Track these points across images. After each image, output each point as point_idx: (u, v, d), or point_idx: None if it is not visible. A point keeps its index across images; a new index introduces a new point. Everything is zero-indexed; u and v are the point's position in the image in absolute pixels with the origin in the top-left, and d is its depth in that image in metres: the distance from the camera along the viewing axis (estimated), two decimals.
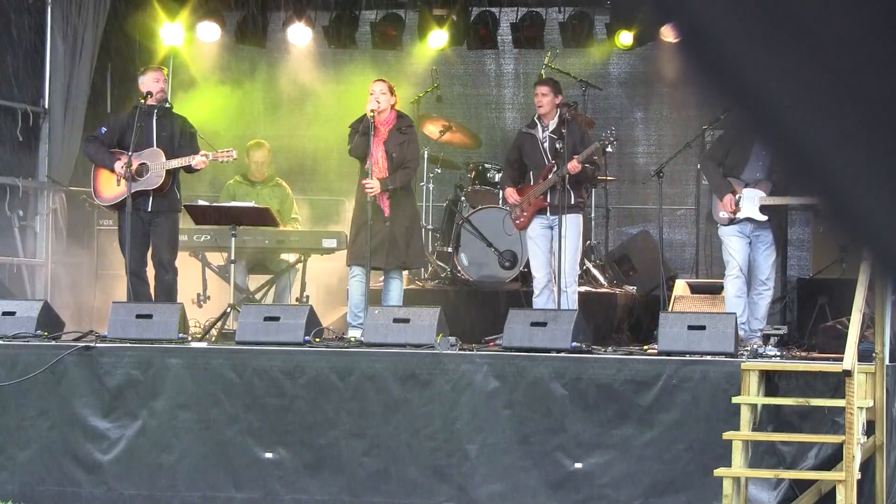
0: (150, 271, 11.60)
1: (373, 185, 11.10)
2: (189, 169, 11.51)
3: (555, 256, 11.32)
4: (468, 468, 9.85)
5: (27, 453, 10.48)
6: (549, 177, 11.33)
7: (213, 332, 11.30)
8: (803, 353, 10.71)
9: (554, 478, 9.73)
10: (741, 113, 1.88)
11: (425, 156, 13.71)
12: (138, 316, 10.73)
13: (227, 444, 10.20)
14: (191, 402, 10.29)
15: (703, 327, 9.92)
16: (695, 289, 12.75)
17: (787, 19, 1.80)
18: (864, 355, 9.29)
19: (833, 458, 9.23)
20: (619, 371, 9.74)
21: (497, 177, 13.45)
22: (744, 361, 9.66)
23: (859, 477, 9.00)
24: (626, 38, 14.47)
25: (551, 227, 11.36)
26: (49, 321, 11.05)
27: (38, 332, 10.87)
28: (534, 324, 10.18)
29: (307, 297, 12.70)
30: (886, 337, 9.29)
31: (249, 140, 13.57)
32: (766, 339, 10.87)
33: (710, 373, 9.60)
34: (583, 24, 14.66)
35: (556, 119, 11.44)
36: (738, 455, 9.21)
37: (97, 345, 10.51)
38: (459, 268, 13.06)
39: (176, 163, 11.38)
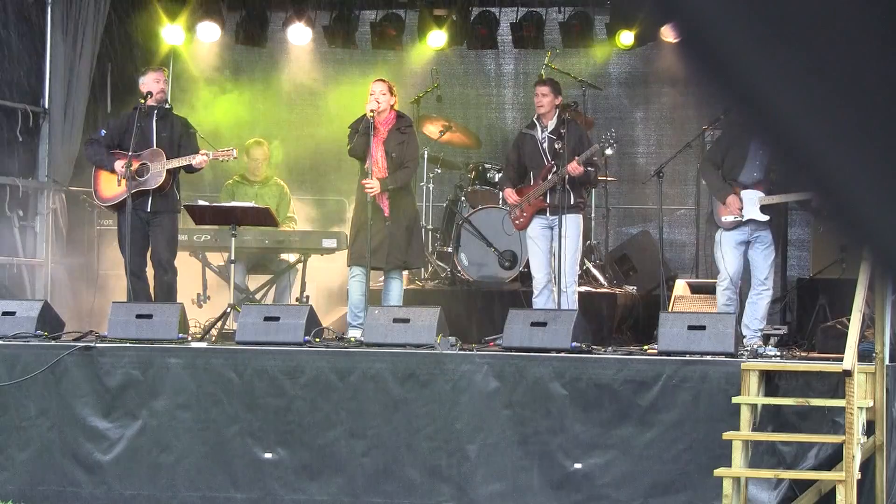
0: (150, 271, 11.60)
1: (373, 185, 11.10)
2: (190, 169, 11.52)
3: (555, 256, 11.32)
4: (468, 468, 9.85)
5: (27, 453, 10.48)
6: (549, 177, 11.33)
7: (213, 332, 11.30)
8: (803, 353, 10.70)
9: (554, 478, 9.73)
10: (741, 113, 1.88)
11: (425, 156, 13.71)
12: (138, 316, 10.73)
13: (226, 444, 10.20)
14: (191, 402, 10.29)
15: (703, 327, 9.92)
16: (695, 289, 12.76)
17: (786, 19, 1.80)
18: (864, 355, 9.29)
19: (833, 458, 9.23)
20: (619, 371, 9.74)
21: (497, 177, 13.44)
22: (744, 361, 9.66)
23: (859, 477, 9.00)
24: (626, 37, 14.47)
25: (551, 228, 11.36)
26: (49, 321, 11.05)
27: (38, 332, 10.87)
28: (534, 324, 10.18)
29: (307, 297, 12.70)
30: (886, 337, 9.29)
31: (248, 140, 13.57)
32: (766, 339, 10.87)
33: (710, 373, 9.60)
34: (583, 24, 14.66)
35: (555, 119, 11.44)
36: (738, 455, 9.21)
37: (97, 345, 10.51)
38: (459, 268, 13.07)
39: (176, 162, 11.38)
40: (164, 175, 11.36)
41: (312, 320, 10.54)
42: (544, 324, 10.16)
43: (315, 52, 15.40)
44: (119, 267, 11.68)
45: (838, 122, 1.82)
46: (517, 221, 11.66)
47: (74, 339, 10.81)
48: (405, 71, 15.12)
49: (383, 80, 11.50)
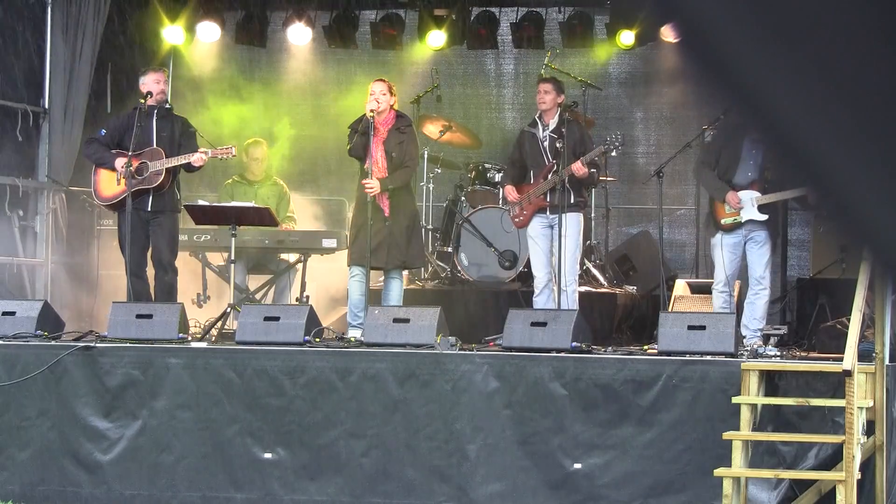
0: (150, 271, 11.60)
1: (372, 185, 11.10)
2: (189, 168, 11.52)
3: (555, 256, 11.32)
4: (468, 468, 9.85)
5: (27, 453, 10.48)
6: (549, 177, 11.33)
7: (213, 332, 11.30)
8: (803, 353, 10.70)
9: (554, 478, 9.73)
10: (741, 113, 1.88)
11: (425, 156, 13.71)
12: (138, 316, 10.73)
13: (226, 444, 10.20)
14: (191, 402, 10.29)
15: (703, 327, 9.92)
16: (695, 289, 12.75)
17: (786, 19, 1.80)
18: (864, 355, 9.29)
19: (833, 458, 9.23)
20: (619, 371, 9.73)
21: (497, 177, 13.45)
22: (744, 361, 9.65)
23: (859, 477, 8.99)
24: (627, 37, 14.47)
25: (551, 227, 11.36)
26: (49, 321, 11.05)
27: (38, 332, 10.87)
28: (534, 324, 10.18)
29: (307, 297, 12.70)
30: (886, 337, 9.29)
31: (248, 140, 13.57)
32: (766, 339, 10.87)
33: (710, 373, 9.60)
34: (583, 24, 14.67)
35: (557, 118, 11.44)
36: (738, 455, 9.21)
37: (97, 345, 10.50)
38: (459, 268, 13.06)
39: (175, 161, 11.39)
40: (164, 174, 11.37)
41: (312, 320, 10.54)
42: (544, 324, 10.16)
43: (315, 52, 15.40)
44: (119, 267, 11.68)
45: (838, 122, 1.82)
46: (517, 220, 11.66)
47: (74, 339, 10.81)
48: (405, 71, 15.12)
49: (383, 80, 11.49)
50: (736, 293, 11.58)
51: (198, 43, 15.09)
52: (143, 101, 11.47)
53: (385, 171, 11.23)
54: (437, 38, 14.84)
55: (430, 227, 13.61)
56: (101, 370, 10.42)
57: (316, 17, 15.17)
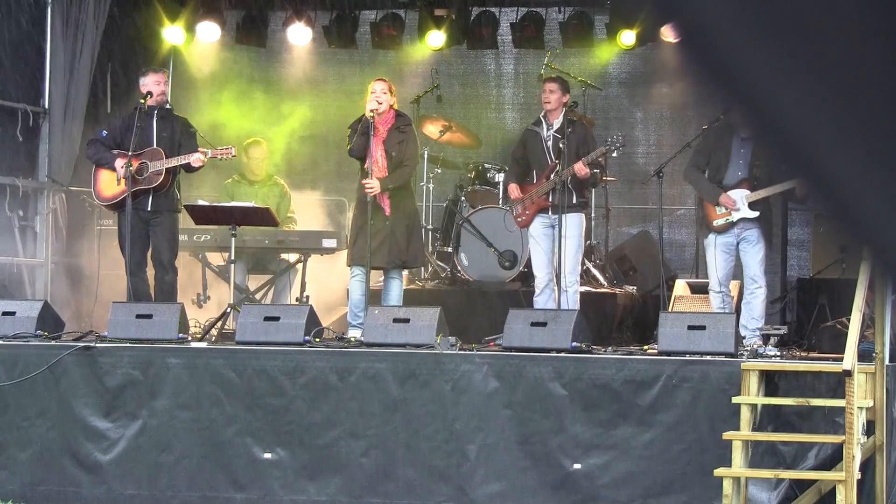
0: (150, 271, 11.61)
1: (373, 185, 11.10)
2: (188, 168, 11.53)
3: (556, 256, 11.32)
4: (468, 468, 9.85)
5: (27, 453, 10.48)
6: (551, 177, 11.33)
7: (213, 332, 11.30)
8: (803, 353, 10.71)
9: (553, 478, 9.73)
10: (741, 113, 1.88)
11: (425, 156, 13.71)
12: (138, 316, 10.73)
13: (226, 444, 10.20)
14: (191, 402, 10.29)
15: (703, 327, 9.92)
16: (695, 289, 12.75)
17: (786, 19, 1.80)
18: (864, 355, 9.29)
19: (833, 458, 9.23)
20: (619, 371, 9.73)
21: (497, 177, 13.45)
22: (744, 361, 9.66)
23: (859, 477, 9.00)
24: (628, 37, 14.46)
25: (553, 227, 11.36)
26: (49, 321, 11.05)
27: (38, 332, 10.87)
28: (534, 324, 10.18)
29: (307, 297, 12.70)
30: (886, 337, 9.29)
31: (247, 139, 13.57)
32: (766, 339, 10.87)
33: (710, 373, 9.60)
34: (583, 24, 14.66)
35: (561, 118, 11.45)
36: (738, 455, 9.21)
37: (97, 345, 10.51)
38: (459, 268, 13.06)
39: (175, 161, 11.39)
40: (164, 174, 11.38)
41: (312, 320, 10.54)
42: (544, 324, 10.16)
43: (315, 52, 15.40)
44: (119, 267, 11.68)
45: (838, 122, 1.83)
46: (519, 219, 11.68)
47: (74, 339, 10.81)
48: (405, 71, 15.12)
49: (384, 80, 11.49)
50: (736, 294, 11.59)
51: (198, 43, 15.09)
52: (143, 101, 11.47)
53: (385, 170, 11.23)
54: (436, 38, 14.84)
55: (430, 227, 13.61)
56: (101, 370, 10.42)
57: (316, 17, 15.17)
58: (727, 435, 9.28)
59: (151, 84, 11.60)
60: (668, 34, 13.62)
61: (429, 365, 10.01)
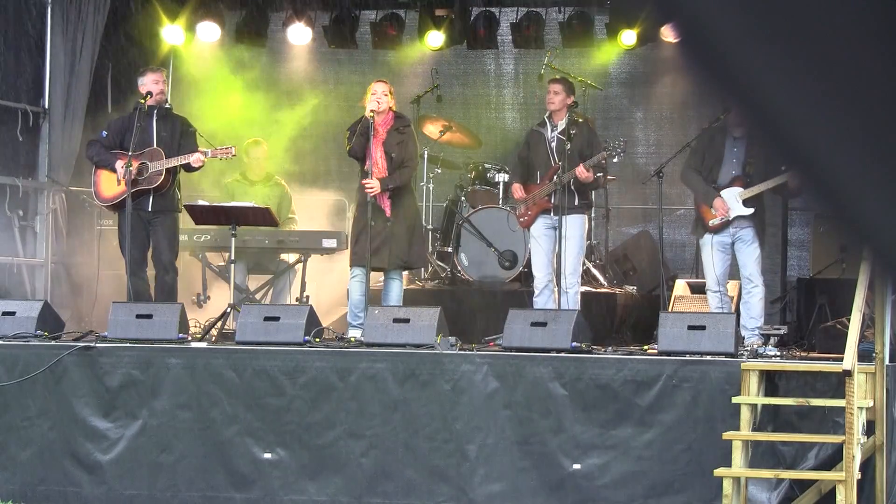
0: (150, 271, 11.61)
1: (373, 185, 11.10)
2: (188, 167, 11.53)
3: (557, 257, 11.33)
4: (467, 469, 9.85)
5: (27, 453, 10.48)
6: (554, 178, 11.34)
7: (213, 332, 11.30)
8: (803, 353, 10.71)
9: (553, 478, 9.73)
10: (741, 112, 1.88)
11: (425, 156, 13.71)
12: (138, 316, 10.73)
13: (226, 444, 10.20)
14: (191, 402, 10.29)
15: (703, 327, 9.92)
16: (695, 289, 12.75)
17: (786, 19, 1.80)
18: (864, 355, 9.29)
19: (833, 458, 9.23)
20: (618, 371, 9.73)
21: (497, 177, 13.46)
22: (744, 361, 9.66)
23: (859, 477, 9.00)
24: (629, 37, 14.46)
25: (555, 228, 11.37)
26: (49, 321, 11.05)
27: (38, 332, 10.87)
28: (534, 324, 10.18)
29: (307, 297, 12.70)
30: (886, 337, 9.29)
31: (247, 140, 13.56)
32: (766, 339, 10.88)
33: (710, 373, 9.60)
34: (583, 24, 14.66)
35: (565, 119, 11.46)
36: (738, 455, 9.21)
37: (97, 345, 10.51)
38: (459, 268, 13.06)
39: (174, 161, 11.40)
40: (164, 174, 11.38)
41: (312, 320, 10.54)
42: (544, 324, 10.16)
43: (315, 52, 15.40)
44: (119, 267, 11.69)
45: (838, 122, 1.83)
46: (522, 219, 11.71)
47: (74, 339, 10.81)
48: (405, 71, 15.12)
49: (384, 81, 11.50)
50: (735, 294, 11.59)
51: (198, 43, 15.09)
52: (142, 101, 11.48)
53: (385, 171, 11.23)
54: (436, 38, 14.84)
55: (430, 227, 13.61)
56: (101, 370, 10.42)
57: (316, 17, 15.17)
58: (727, 435, 9.28)
59: (150, 84, 11.61)
60: (668, 34, 13.62)
61: (429, 365, 10.01)
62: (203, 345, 10.79)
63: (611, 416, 9.69)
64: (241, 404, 10.21)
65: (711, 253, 11.08)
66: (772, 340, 10.88)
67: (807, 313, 12.68)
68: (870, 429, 9.30)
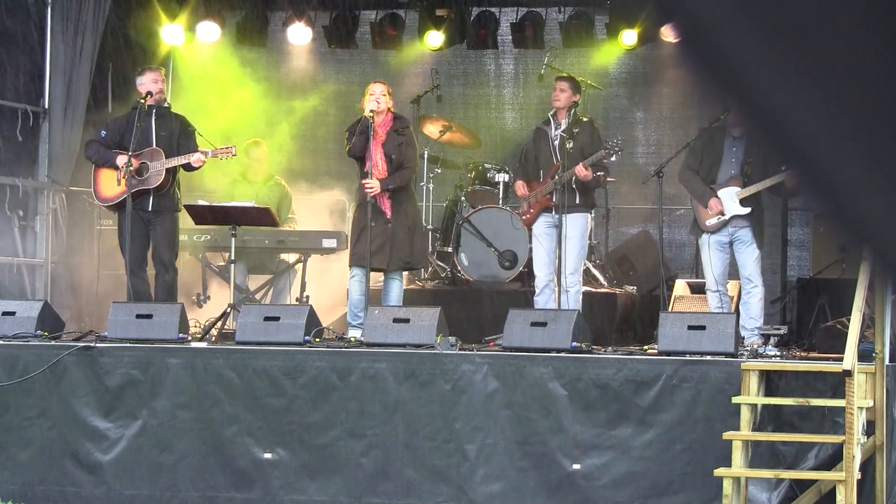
0: (150, 271, 11.61)
1: (373, 186, 11.10)
2: (188, 167, 11.54)
3: (558, 256, 11.34)
4: (467, 469, 9.85)
5: (27, 453, 10.48)
6: (555, 177, 11.36)
7: (213, 332, 11.30)
8: (803, 353, 10.71)
9: (553, 478, 9.73)
10: (741, 112, 1.88)
11: (425, 156, 13.71)
12: (138, 316, 10.73)
13: (226, 444, 10.20)
14: (191, 402, 10.29)
15: (703, 327, 9.92)
16: (695, 289, 12.75)
17: (786, 18, 1.80)
18: (864, 355, 9.29)
19: (833, 458, 9.23)
20: (618, 371, 9.74)
21: (497, 177, 13.47)
22: (744, 361, 9.66)
23: (859, 477, 9.00)
24: (629, 37, 14.46)
25: (556, 227, 11.38)
26: (49, 321, 11.05)
27: (38, 332, 10.87)
28: (534, 324, 10.18)
29: (307, 297, 12.70)
30: (886, 337, 9.29)
31: (247, 140, 13.56)
32: (766, 339, 10.88)
33: (710, 373, 9.60)
34: (583, 23, 14.67)
35: (569, 118, 11.47)
36: (738, 455, 9.22)
37: (97, 345, 10.51)
38: (459, 268, 13.06)
39: (175, 161, 11.40)
40: (164, 174, 11.38)
41: (312, 320, 10.54)
42: (544, 324, 10.16)
43: (315, 52, 15.40)
44: (119, 267, 11.69)
45: (838, 122, 1.82)
46: (524, 217, 11.73)
47: (74, 339, 10.81)
48: (405, 71, 15.13)
49: (382, 83, 11.51)
50: (735, 294, 11.60)
51: (198, 43, 15.09)
52: (142, 101, 11.48)
53: (385, 173, 11.23)
54: (436, 38, 14.84)
55: (430, 227, 13.61)
56: (101, 370, 10.42)
57: (316, 17, 15.17)
58: (727, 435, 9.28)
59: (149, 83, 11.61)
60: (668, 34, 13.62)
61: (429, 365, 10.01)
62: (203, 345, 10.79)
63: (611, 416, 9.69)
64: (241, 404, 10.21)
65: (709, 253, 11.10)
66: (772, 340, 10.88)
67: (807, 313, 12.68)
68: (870, 429, 9.30)
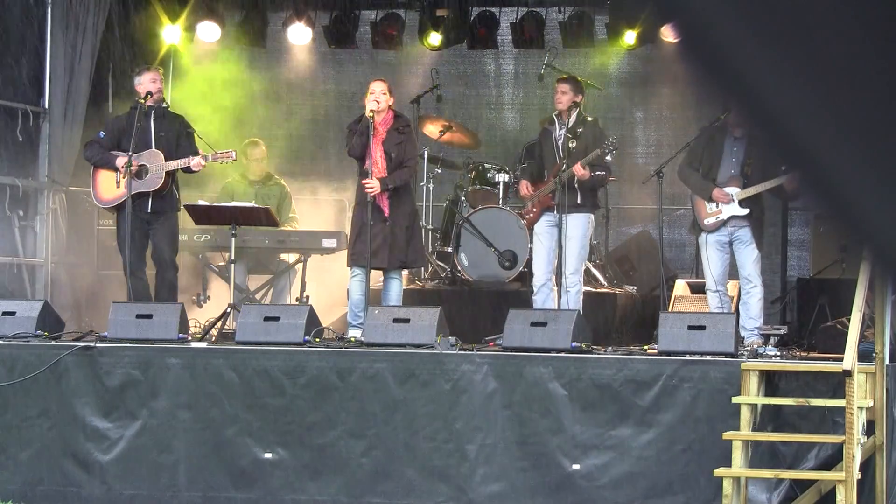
0: (150, 271, 11.61)
1: (372, 185, 11.10)
2: (188, 170, 11.53)
3: (558, 255, 11.35)
4: (467, 469, 9.85)
5: (27, 453, 10.48)
6: (557, 176, 11.37)
7: (213, 332, 11.30)
8: (803, 353, 10.71)
9: (552, 478, 9.73)
10: (741, 112, 1.89)
11: (425, 156, 13.71)
12: (138, 316, 10.73)
13: (226, 444, 10.20)
14: (191, 402, 10.30)
15: (703, 327, 9.92)
16: (695, 289, 12.75)
17: (786, 18, 1.80)
18: (864, 355, 9.29)
19: (833, 458, 9.23)
20: (618, 371, 9.74)
21: (497, 177, 13.46)
22: (744, 361, 9.66)
23: (859, 477, 9.00)
24: (630, 37, 14.46)
25: (557, 226, 11.39)
26: (49, 321, 11.05)
27: (38, 332, 10.87)
28: (534, 324, 10.18)
29: (307, 297, 12.70)
30: (886, 337, 9.29)
31: (246, 140, 13.56)
32: (766, 339, 10.88)
33: (710, 373, 9.60)
34: (583, 24, 14.66)
35: (573, 118, 11.48)
36: (738, 455, 9.22)
37: (97, 345, 10.51)
38: (459, 268, 13.06)
39: (174, 164, 11.40)
40: (163, 177, 11.38)
41: (312, 320, 10.54)
42: (544, 324, 10.16)
43: (315, 52, 15.39)
44: (119, 267, 11.69)
45: (838, 121, 1.83)
46: (527, 216, 11.76)
47: (74, 339, 10.81)
48: (405, 71, 15.12)
49: (383, 80, 11.50)
50: (735, 294, 11.60)
51: (198, 43, 15.08)
52: (142, 101, 11.47)
53: (385, 171, 11.23)
54: (436, 38, 14.84)
55: (430, 227, 13.61)
56: (101, 370, 10.42)
57: (316, 17, 15.17)
58: (727, 435, 9.28)
59: (148, 83, 11.60)
60: (668, 34, 13.62)
61: (429, 365, 10.01)
62: (203, 345, 10.79)
63: (610, 416, 9.69)
64: (241, 404, 10.21)
65: (708, 253, 11.10)
66: (772, 340, 10.88)
67: (807, 313, 12.68)
68: (870, 429, 9.30)
